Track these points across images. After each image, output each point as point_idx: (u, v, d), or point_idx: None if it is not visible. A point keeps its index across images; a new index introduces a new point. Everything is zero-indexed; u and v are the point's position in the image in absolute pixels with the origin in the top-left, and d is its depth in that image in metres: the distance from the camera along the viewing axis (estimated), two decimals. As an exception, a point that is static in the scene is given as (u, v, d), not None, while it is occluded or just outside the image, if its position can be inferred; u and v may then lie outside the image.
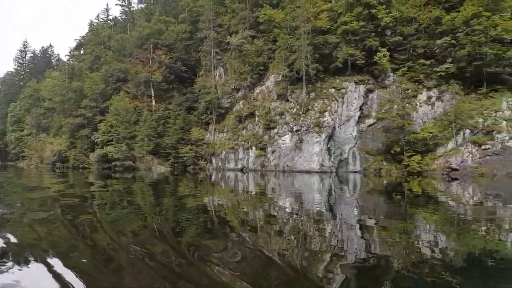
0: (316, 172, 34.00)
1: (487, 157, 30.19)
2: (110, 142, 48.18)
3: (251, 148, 40.15)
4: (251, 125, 41.69)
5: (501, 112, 31.41)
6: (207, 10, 48.30)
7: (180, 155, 44.96)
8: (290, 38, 37.64)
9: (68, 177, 31.54)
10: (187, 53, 52.17)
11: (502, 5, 31.84)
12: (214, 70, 49.16)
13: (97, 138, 50.28)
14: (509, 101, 31.89)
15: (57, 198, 15.06)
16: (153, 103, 50.72)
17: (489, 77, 32.77)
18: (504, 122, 30.78)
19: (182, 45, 51.88)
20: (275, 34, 40.57)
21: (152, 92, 50.91)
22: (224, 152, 43.17)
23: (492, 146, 30.29)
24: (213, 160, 44.58)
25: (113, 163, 46.09)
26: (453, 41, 32.60)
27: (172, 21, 54.19)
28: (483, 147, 30.44)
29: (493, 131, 30.56)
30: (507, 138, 30.05)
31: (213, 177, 30.49)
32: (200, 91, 47.11)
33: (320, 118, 34.70)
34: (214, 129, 46.10)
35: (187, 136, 45.83)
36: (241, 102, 44.83)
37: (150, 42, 52.19)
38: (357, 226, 10.28)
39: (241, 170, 40.45)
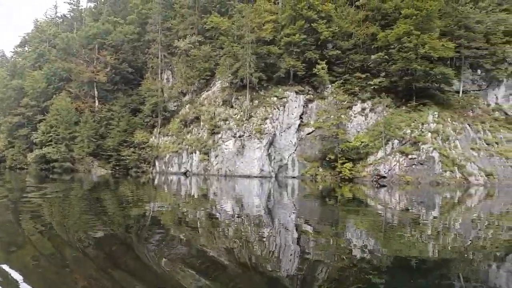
0: (256, 176, 34.70)
1: (413, 166, 32.39)
2: (50, 143, 46.14)
3: (195, 152, 40.18)
4: (196, 129, 41.77)
5: (427, 125, 33.90)
6: (156, 13, 48.04)
7: (122, 157, 43.96)
8: (235, 46, 38.37)
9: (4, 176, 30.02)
10: (134, 54, 51.40)
11: (431, 25, 34.51)
12: (161, 73, 48.78)
13: (36, 138, 47.98)
14: (435, 114, 34.54)
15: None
16: (96, 103, 49.31)
17: (418, 91, 35.30)
18: (429, 134, 33.23)
19: (129, 46, 51.06)
20: (221, 42, 41.17)
21: (96, 93, 49.51)
22: (168, 156, 42.80)
23: (418, 156, 32.54)
24: (157, 164, 44.03)
25: (51, 164, 44.16)
26: (386, 57, 34.86)
27: (120, 22, 53.24)
28: (409, 156, 32.63)
29: (419, 142, 32.85)
30: (431, 149, 32.43)
31: (156, 181, 30.19)
32: (146, 93, 46.52)
33: (262, 125, 35.57)
34: (159, 132, 45.61)
35: (130, 138, 44.94)
36: (187, 106, 44.79)
37: (96, 42, 50.86)
38: (293, 229, 10.72)
39: (185, 173, 40.32)
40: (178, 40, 45.86)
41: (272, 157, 35.63)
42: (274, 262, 6.90)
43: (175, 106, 46.36)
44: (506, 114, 36.98)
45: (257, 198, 18.49)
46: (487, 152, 33.26)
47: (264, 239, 8.76)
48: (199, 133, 41.06)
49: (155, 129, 46.21)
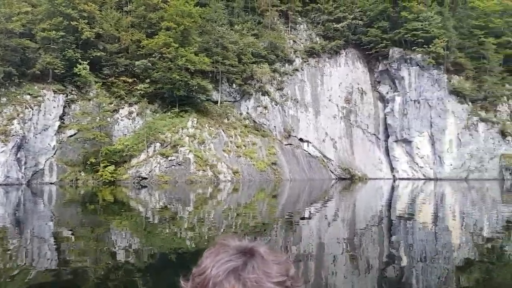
0: (0, 184, 30.60)
1: (172, 166, 34.97)
2: None
3: None
4: None
5: (186, 129, 37.21)
6: None
7: None
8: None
9: None
10: None
11: (190, 40, 38.14)
12: None
13: None
14: (194, 120, 38.27)
15: None
16: None
17: (181, 99, 38.34)
18: (187, 138, 36.57)
19: None
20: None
21: None
22: None
23: (176, 157, 35.35)
24: None
25: None
26: (150, 64, 36.57)
27: None
28: (169, 158, 35.08)
29: (178, 145, 35.76)
30: (187, 151, 35.71)
31: None
32: None
33: (8, 126, 31.68)
34: None
35: None
36: None
37: None
38: (50, 237, 9.73)
39: None
40: None
41: (23, 162, 32.18)
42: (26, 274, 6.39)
43: None
44: (254, 122, 44.38)
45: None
46: (236, 154, 39.05)
47: (9, 252, 7.97)
48: None
49: None
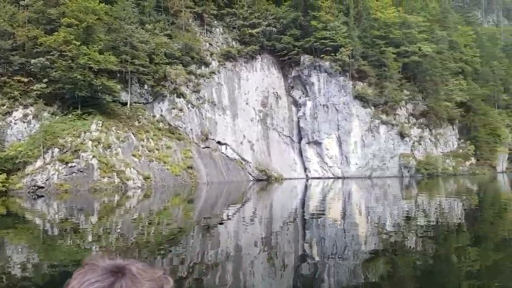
0: None
1: (73, 174, 32.62)
2: None
3: None
4: None
5: (89, 133, 35.01)
6: None
7: None
8: None
9: None
10: None
11: (94, 37, 36.05)
12: None
13: None
14: (99, 123, 36.19)
15: None
16: None
17: (85, 100, 35.93)
18: (90, 142, 34.41)
19: None
20: None
21: None
22: None
23: (78, 163, 33.03)
24: None
25: None
26: (48, 62, 33.82)
27: None
28: (69, 164, 32.64)
29: (80, 150, 33.47)
30: (90, 156, 33.62)
31: None
32: None
33: None
34: None
35: None
36: None
37: None
38: None
39: None
40: None
41: None
42: None
43: None
44: (169, 124, 43.40)
45: None
46: (148, 158, 37.75)
47: None
48: None
49: None
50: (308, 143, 51.66)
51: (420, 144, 54.92)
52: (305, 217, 17.27)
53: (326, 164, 51.06)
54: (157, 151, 39.26)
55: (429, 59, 55.21)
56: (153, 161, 37.99)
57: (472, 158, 58.22)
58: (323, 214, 17.78)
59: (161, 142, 40.54)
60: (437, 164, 52.90)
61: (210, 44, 50.28)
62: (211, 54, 49.32)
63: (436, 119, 56.43)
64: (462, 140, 60.04)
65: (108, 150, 34.99)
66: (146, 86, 42.00)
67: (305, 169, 52.28)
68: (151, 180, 36.24)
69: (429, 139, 56.21)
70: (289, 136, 53.65)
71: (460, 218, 15.47)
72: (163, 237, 12.25)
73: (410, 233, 12.23)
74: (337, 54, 49.12)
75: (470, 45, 69.45)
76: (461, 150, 58.31)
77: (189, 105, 45.71)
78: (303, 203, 24.12)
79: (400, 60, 54.35)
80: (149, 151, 38.57)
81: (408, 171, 52.09)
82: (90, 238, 12.03)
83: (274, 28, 51.77)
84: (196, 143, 44.78)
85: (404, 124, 54.29)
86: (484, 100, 63.34)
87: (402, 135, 53.27)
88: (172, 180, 38.02)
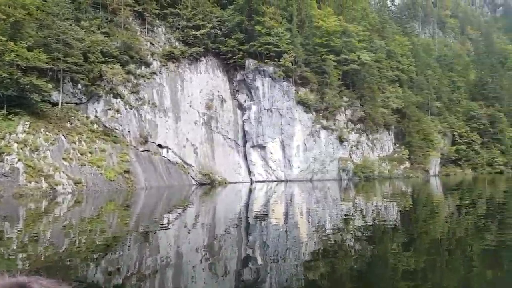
0: None
1: (-6, 179, 29.51)
2: None
3: None
4: None
5: (15, 135, 31.98)
6: None
7: None
8: None
9: None
10: None
11: (23, 33, 33.11)
12: None
13: None
14: (26, 124, 33.19)
15: None
16: None
17: (11, 99, 32.83)
18: (16, 144, 31.44)
19: None
20: None
21: None
22: None
23: (1, 167, 29.99)
24: None
25: None
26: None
27: None
28: (-10, 169, 29.54)
29: (3, 153, 30.40)
30: (16, 159, 30.67)
31: None
32: None
33: None
34: None
35: None
36: None
37: None
38: None
39: None
40: None
41: None
42: None
43: None
44: (104, 126, 40.94)
45: None
46: (79, 162, 35.21)
47: None
48: None
49: None
50: (253, 146, 51.74)
51: (357, 148, 57.41)
52: (248, 221, 17.08)
53: (270, 167, 51.47)
54: (90, 155, 36.79)
55: (367, 67, 58.04)
56: (85, 165, 35.52)
57: (407, 162, 61.98)
58: (267, 217, 17.74)
59: (95, 145, 38.07)
60: (374, 167, 55.58)
61: (152, 44, 48.51)
62: (152, 54, 47.56)
63: (373, 125, 59.38)
64: (397, 145, 63.69)
65: (36, 153, 32.15)
66: (79, 86, 39.30)
67: (250, 172, 52.26)
68: (82, 185, 33.88)
69: (366, 143, 58.99)
70: (234, 140, 53.33)
71: (395, 219, 16.07)
72: (97, 246, 11.48)
73: (348, 234, 12.42)
74: (280, 60, 49.85)
75: (407, 55, 74.26)
76: (396, 154, 61.85)
77: (127, 106, 43.52)
78: (247, 207, 23.92)
79: (340, 67, 56.51)
80: (81, 154, 36.02)
81: (346, 174, 54.17)
82: (14, 246, 11.04)
83: (219, 31, 51.30)
84: (134, 146, 42.71)
85: (343, 129, 56.45)
86: (418, 107, 67.49)
87: (341, 140, 55.31)
88: (106, 185, 35.82)
